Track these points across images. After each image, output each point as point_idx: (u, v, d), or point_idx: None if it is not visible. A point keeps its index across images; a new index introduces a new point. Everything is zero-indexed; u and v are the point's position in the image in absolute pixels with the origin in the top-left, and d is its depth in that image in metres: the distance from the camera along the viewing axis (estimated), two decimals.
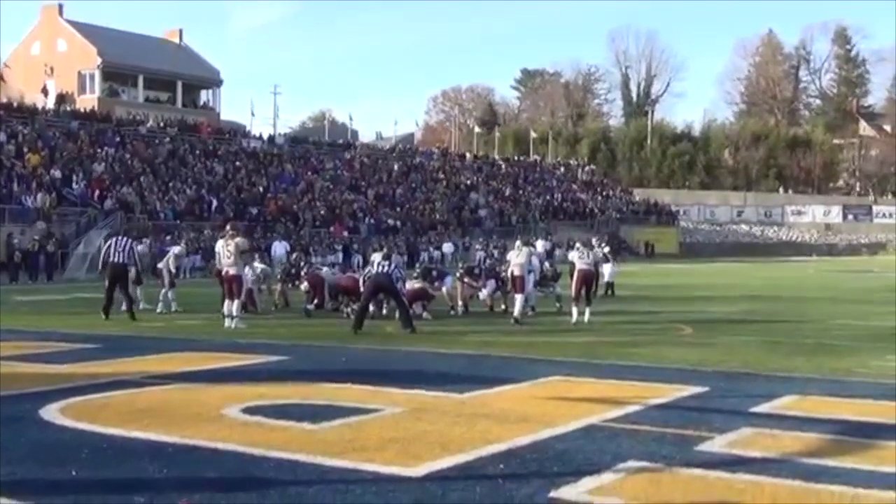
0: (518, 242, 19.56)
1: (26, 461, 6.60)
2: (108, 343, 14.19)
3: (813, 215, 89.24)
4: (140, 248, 21.46)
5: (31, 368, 11.34)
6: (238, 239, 17.75)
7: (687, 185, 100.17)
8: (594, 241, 25.02)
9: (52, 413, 8.23)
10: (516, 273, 18.23)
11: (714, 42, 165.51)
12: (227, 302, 17.35)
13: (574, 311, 17.62)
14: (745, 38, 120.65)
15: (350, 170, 64.37)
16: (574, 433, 7.50)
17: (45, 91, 61.65)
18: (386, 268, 16.59)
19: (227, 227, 18.80)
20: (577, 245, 19.84)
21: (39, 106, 55.79)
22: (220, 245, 17.97)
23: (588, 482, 6.03)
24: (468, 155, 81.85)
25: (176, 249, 21.74)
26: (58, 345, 13.86)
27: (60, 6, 72.57)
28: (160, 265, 21.53)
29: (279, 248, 42.17)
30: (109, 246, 19.26)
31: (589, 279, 18.11)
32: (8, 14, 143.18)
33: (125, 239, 19.35)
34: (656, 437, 7.34)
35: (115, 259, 18.78)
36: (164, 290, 20.64)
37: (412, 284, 19.01)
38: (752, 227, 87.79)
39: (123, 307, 18.80)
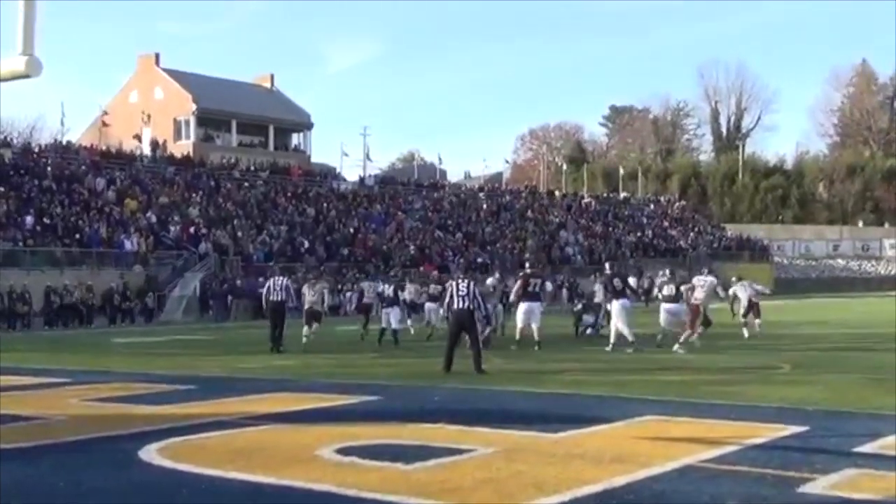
0: (705, 276, 21.24)
1: (127, 502, 6.70)
2: (204, 384, 14.40)
3: None
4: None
5: (130, 409, 11.57)
6: (324, 283, 21.61)
7: (780, 219, 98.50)
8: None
9: (150, 454, 8.35)
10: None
11: (806, 73, 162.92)
12: (305, 327, 22.11)
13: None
14: (837, 69, 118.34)
15: (439, 210, 64.71)
16: (670, 474, 7.36)
17: (138, 137, 63.38)
18: (467, 302, 15.77)
19: (312, 275, 23.41)
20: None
21: (137, 153, 57.41)
22: (306, 286, 22.91)
23: None
24: (557, 193, 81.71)
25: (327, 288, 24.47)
26: (156, 386, 14.13)
27: (157, 55, 74.77)
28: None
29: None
30: (269, 286, 22.00)
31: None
32: (108, 64, 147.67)
33: (282, 279, 22.34)
34: (756, 479, 7.17)
35: (275, 298, 21.59)
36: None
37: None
38: (850, 262, 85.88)
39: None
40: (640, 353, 18.84)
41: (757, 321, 24.38)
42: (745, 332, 23.45)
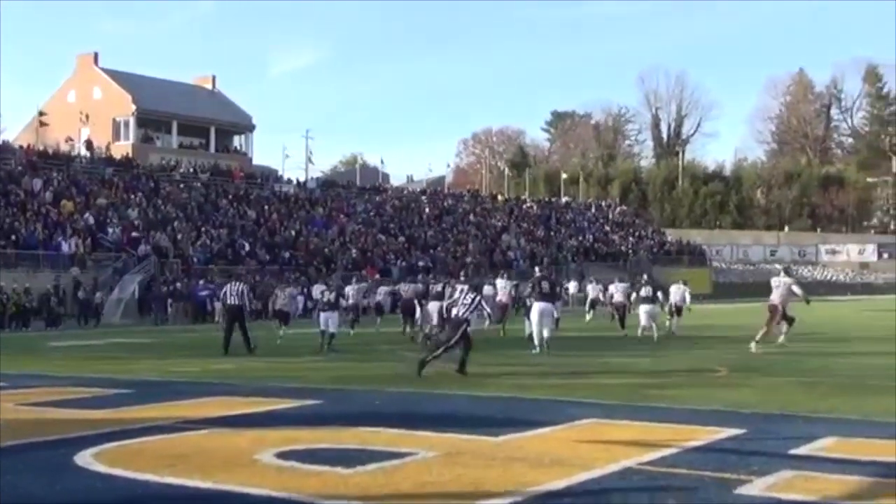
0: (781, 277, 21.71)
1: None
2: (142, 388, 14.22)
3: (847, 254, 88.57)
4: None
5: (66, 414, 11.37)
6: (290, 289, 25.82)
7: (719, 224, 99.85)
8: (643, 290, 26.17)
9: (86, 459, 8.21)
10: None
11: (744, 81, 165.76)
12: (282, 328, 25.03)
13: None
14: (775, 77, 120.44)
15: (381, 213, 64.61)
16: (610, 476, 7.40)
17: (70, 140, 62.52)
18: (466, 311, 15.85)
19: (284, 279, 27.02)
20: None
21: (74, 154, 56.57)
22: (278, 290, 27.13)
23: None
24: (499, 197, 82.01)
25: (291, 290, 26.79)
26: (92, 390, 13.90)
27: (96, 55, 73.84)
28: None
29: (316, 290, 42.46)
30: (225, 291, 21.85)
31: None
32: (45, 63, 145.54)
33: (238, 284, 21.92)
34: (694, 481, 7.24)
35: (231, 302, 21.23)
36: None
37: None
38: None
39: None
40: (540, 357, 19.07)
41: (675, 320, 26.61)
42: (667, 325, 26.07)
